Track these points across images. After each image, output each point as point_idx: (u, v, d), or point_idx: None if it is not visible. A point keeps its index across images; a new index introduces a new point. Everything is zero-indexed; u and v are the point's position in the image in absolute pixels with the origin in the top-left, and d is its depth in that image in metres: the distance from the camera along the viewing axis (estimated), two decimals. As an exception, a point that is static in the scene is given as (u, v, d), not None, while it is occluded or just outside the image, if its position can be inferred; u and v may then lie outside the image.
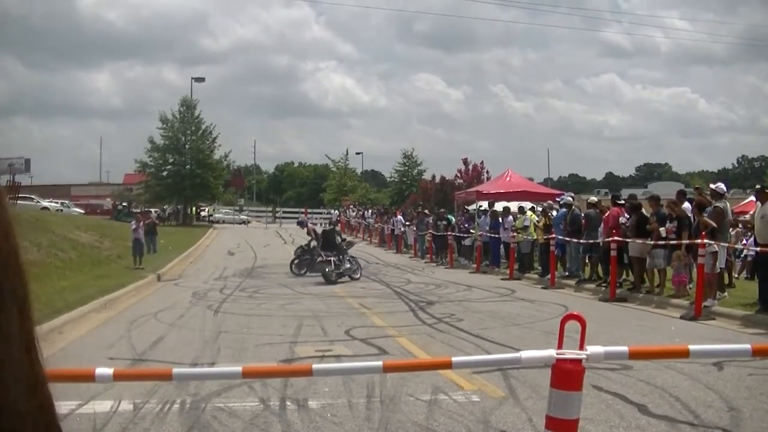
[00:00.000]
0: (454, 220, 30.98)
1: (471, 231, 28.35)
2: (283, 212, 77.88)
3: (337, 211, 68.26)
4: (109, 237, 30.72)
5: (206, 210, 73.28)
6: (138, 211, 39.02)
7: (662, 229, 16.22)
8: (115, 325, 12.98)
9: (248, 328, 12.46)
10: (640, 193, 29.87)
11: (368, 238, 46.30)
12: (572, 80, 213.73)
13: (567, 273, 21.20)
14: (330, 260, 21.86)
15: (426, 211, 35.21)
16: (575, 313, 4.01)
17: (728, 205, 15.86)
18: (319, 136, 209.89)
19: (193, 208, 68.76)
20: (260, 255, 32.29)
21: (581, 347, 3.98)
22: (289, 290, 19.33)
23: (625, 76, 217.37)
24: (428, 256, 31.21)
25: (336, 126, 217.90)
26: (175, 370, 4.40)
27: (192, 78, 65.04)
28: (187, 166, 62.54)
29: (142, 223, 26.08)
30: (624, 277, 18.48)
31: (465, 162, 52.31)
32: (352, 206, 59.93)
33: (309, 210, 71.11)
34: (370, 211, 51.89)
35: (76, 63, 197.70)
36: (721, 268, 14.98)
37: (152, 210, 58.60)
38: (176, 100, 69.39)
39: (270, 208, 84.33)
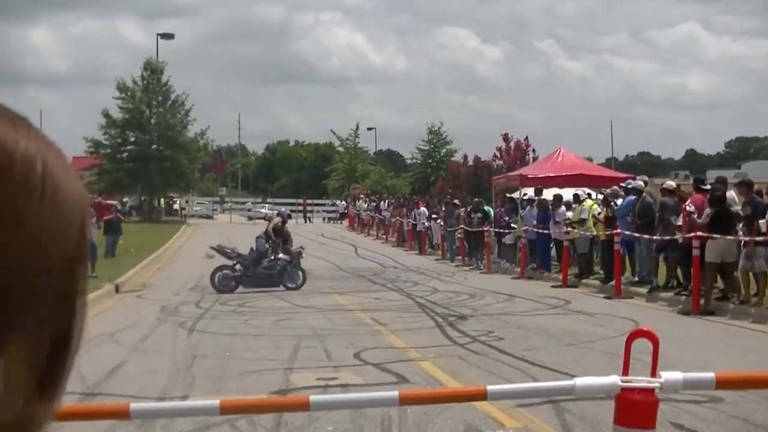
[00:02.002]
0: (491, 212, 30.97)
1: (513, 226, 28.42)
2: (257, 206, 77.54)
3: (344, 202, 68.70)
4: None
5: (178, 202, 73.61)
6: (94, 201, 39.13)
7: (762, 222, 16.09)
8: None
9: (231, 352, 12.52)
10: (731, 175, 29.72)
11: (384, 236, 46.50)
12: (641, 32, 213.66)
13: (636, 278, 21.15)
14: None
15: (456, 201, 35.19)
16: (646, 329, 3.98)
17: None
18: (321, 108, 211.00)
19: (162, 200, 69.05)
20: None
21: (654, 373, 3.94)
22: (284, 302, 19.48)
23: (709, 25, 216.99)
24: (459, 257, 31.34)
25: (342, 95, 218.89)
26: (135, 405, 4.39)
27: (158, 34, 65.68)
28: (154, 146, 63.03)
29: (95, 219, 26.25)
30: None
31: (505, 139, 52.26)
32: (363, 196, 60.15)
33: (309, 201, 71.41)
34: (386, 201, 51.94)
35: (5, 15, 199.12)
36: None
37: (114, 203, 58.86)
38: (138, 63, 69.62)
39: (260, 199, 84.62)
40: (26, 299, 0.69)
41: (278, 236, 23.53)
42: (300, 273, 23.01)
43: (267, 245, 23.23)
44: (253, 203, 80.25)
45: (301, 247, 24.24)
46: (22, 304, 0.68)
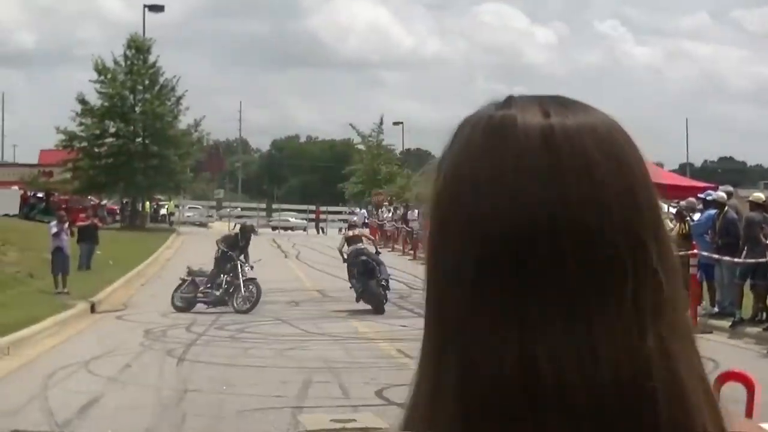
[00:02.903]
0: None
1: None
2: (281, 215, 78.01)
3: (364, 210, 68.34)
4: (15, 245, 31.08)
5: (166, 206, 73.88)
6: (63, 203, 39.18)
7: None
8: (24, 381, 13.14)
9: (229, 386, 12.57)
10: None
11: (411, 252, 46.35)
12: (725, 12, 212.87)
13: (716, 309, 21.01)
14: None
15: None
16: (739, 372, 3.93)
17: None
18: (338, 98, 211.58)
19: (147, 203, 69.14)
20: (248, 274, 32.39)
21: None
22: (292, 328, 19.62)
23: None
24: None
25: (363, 83, 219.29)
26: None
27: (145, 6, 65.93)
28: (138, 140, 63.23)
29: (67, 225, 26.43)
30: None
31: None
32: (387, 203, 60.08)
33: (322, 208, 71.38)
34: (415, 211, 51.55)
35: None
36: None
37: (95, 202, 59.02)
38: (120, 40, 69.49)
39: (264, 205, 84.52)
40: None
41: (234, 249, 24.64)
42: (248, 293, 23.76)
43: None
44: (258, 209, 79.76)
45: (250, 266, 24.92)
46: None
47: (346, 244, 26.64)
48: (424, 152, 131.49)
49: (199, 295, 23.53)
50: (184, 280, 24.05)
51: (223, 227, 68.31)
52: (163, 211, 73.56)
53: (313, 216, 71.01)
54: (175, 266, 36.34)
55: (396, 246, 50.34)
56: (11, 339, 16.19)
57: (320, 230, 68.39)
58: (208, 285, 23.69)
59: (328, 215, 73.85)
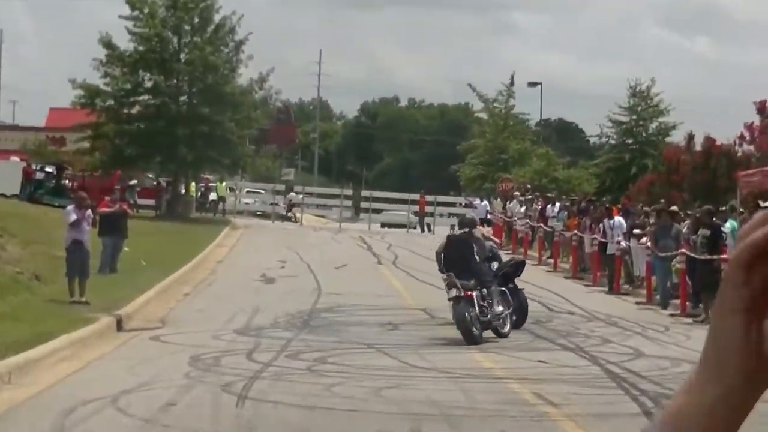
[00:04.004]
0: (735, 227, 30.61)
1: None
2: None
3: (485, 202, 67.75)
4: (16, 237, 31.23)
5: (216, 188, 72.97)
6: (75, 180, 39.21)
7: None
8: (31, 420, 13.26)
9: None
10: None
11: (551, 260, 46.38)
12: None
13: None
14: (471, 296, 22.45)
15: (674, 208, 34.80)
16: None
17: None
18: (452, 48, 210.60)
19: (193, 184, 69.43)
20: (328, 284, 33.00)
21: None
22: (390, 359, 19.65)
23: None
24: (678, 301, 30.99)
25: (487, 29, 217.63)
26: None
27: None
28: (183, 98, 63.86)
29: (88, 212, 26.36)
30: None
31: (761, 109, 51.49)
32: (518, 194, 59.62)
33: (429, 198, 70.85)
34: (557, 204, 51.59)
35: None
36: None
37: (132, 182, 59.25)
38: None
39: (350, 191, 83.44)
40: None
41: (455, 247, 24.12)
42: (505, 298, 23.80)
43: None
44: (342, 196, 77.30)
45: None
46: None
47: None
48: (569, 124, 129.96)
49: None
50: (458, 298, 22.89)
51: (313, 220, 68.39)
52: (212, 196, 73.06)
53: (416, 208, 70.23)
54: (229, 270, 37.10)
55: (529, 252, 49.80)
56: (13, 363, 16.18)
57: (425, 227, 67.96)
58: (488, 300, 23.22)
59: (436, 207, 72.82)
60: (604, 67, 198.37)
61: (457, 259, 23.43)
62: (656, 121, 67.80)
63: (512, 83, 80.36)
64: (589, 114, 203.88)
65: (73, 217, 25.33)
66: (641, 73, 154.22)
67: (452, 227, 67.79)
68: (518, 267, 26.21)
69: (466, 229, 25.20)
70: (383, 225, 71.95)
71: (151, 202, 65.78)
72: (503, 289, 23.93)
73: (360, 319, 25.44)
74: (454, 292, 22.52)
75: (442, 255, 23.85)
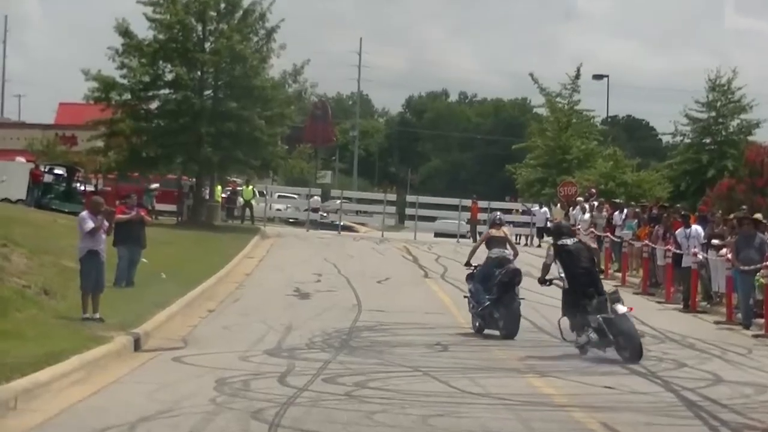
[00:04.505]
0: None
1: None
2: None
3: (545, 209, 67.22)
4: (23, 247, 30.82)
5: (243, 192, 71.52)
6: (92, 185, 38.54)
7: None
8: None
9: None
10: None
11: (619, 274, 46.01)
12: None
13: None
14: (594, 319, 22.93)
15: (759, 216, 34.25)
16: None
17: None
18: (508, 36, 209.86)
19: (219, 188, 68.95)
20: (369, 300, 33.17)
21: None
22: (439, 383, 19.49)
23: None
24: (763, 320, 29.99)
25: (550, 15, 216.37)
26: None
27: None
28: (208, 92, 63.35)
29: (104, 220, 25.09)
30: None
31: None
32: (582, 200, 59.38)
33: (482, 204, 69.90)
34: (625, 211, 50.90)
35: None
36: None
37: (151, 186, 58.25)
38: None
39: (394, 196, 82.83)
40: None
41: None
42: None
43: None
44: (385, 201, 75.07)
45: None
46: None
47: (485, 246, 27.36)
48: (639, 122, 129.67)
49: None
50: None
51: (371, 233, 68.00)
52: (240, 200, 71.76)
53: (467, 215, 69.13)
54: (259, 284, 37.64)
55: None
56: (19, 386, 16.00)
57: (477, 235, 67.06)
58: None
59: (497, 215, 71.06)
60: (679, 58, 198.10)
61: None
62: (737, 118, 69.03)
63: (578, 76, 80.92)
64: (662, 110, 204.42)
65: (88, 224, 24.72)
66: (720, 62, 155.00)
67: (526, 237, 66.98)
68: (514, 276, 26.09)
69: (576, 239, 25.36)
70: (437, 234, 71.98)
71: (172, 207, 66.16)
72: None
73: (405, 339, 25.44)
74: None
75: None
